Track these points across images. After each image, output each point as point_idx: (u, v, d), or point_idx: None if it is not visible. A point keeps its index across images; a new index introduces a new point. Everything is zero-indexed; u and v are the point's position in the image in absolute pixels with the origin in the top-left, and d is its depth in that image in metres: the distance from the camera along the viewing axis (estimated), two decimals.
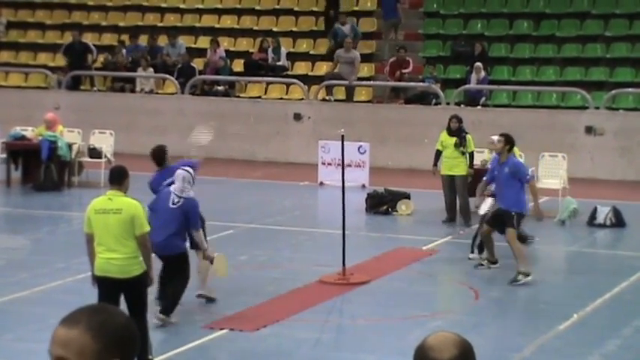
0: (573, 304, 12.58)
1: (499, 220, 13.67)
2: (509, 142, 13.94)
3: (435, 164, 17.52)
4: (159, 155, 12.33)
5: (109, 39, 28.96)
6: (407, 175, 22.10)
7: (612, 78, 25.08)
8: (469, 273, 14.25)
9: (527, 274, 13.39)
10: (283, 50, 26.68)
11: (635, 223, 17.90)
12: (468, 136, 17.28)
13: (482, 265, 14.12)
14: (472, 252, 14.59)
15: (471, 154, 17.25)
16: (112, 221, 9.40)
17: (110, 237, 9.41)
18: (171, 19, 29.33)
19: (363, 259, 14.73)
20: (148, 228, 9.55)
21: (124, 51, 27.41)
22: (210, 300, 12.23)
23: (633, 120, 23.49)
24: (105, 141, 21.52)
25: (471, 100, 24.73)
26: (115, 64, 27.22)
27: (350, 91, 25.66)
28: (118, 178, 9.60)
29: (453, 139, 17.16)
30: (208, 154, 25.37)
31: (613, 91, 23.93)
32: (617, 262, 15.60)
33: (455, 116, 17.54)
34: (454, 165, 17.17)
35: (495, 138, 14.46)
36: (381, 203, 18.40)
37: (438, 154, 17.45)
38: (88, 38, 28.28)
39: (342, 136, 13.76)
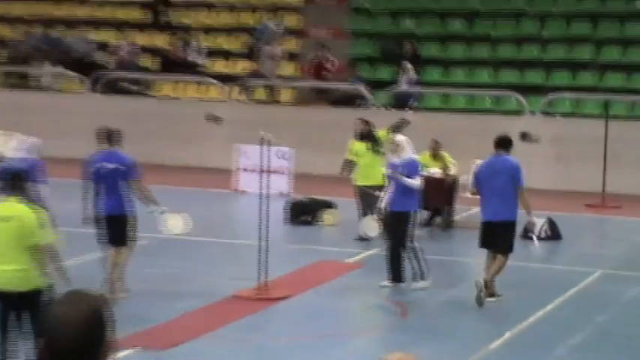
0: (505, 322, 12.72)
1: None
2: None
3: (344, 171, 17.22)
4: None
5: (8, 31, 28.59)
6: (334, 182, 22.14)
7: (549, 82, 25.46)
8: (396, 289, 14.32)
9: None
10: (201, 47, 26.58)
11: (572, 236, 18.18)
12: (379, 133, 16.97)
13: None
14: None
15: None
16: (2, 230, 9.26)
17: (1, 247, 9.27)
18: (76, 11, 29.02)
19: (283, 273, 14.74)
20: (49, 238, 9.40)
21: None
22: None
23: (570, 126, 23.87)
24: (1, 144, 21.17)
25: (402, 102, 24.90)
26: (15, 57, 26.91)
27: (273, 92, 25.65)
28: (14, 184, 9.44)
29: (365, 145, 16.75)
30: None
31: (549, 95, 24.30)
32: (552, 276, 15.81)
33: (359, 119, 17.33)
34: (371, 174, 16.38)
35: (399, 138, 14.49)
36: (303, 212, 18.40)
37: (347, 163, 17.07)
38: None
39: (262, 138, 13.72)
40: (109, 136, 13.03)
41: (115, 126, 26.50)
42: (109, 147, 12.96)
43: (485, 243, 13.51)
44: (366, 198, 16.29)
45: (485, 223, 13.46)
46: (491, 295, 13.31)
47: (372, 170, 16.35)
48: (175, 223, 13.00)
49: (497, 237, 13.32)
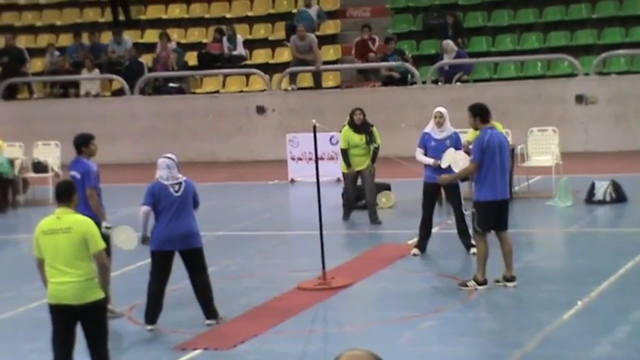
0: (576, 291, 12.69)
1: None
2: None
3: (350, 165, 17.31)
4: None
5: (45, 40, 28.88)
6: (385, 163, 22.16)
7: (601, 40, 25.25)
8: (460, 266, 14.35)
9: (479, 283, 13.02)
10: (239, 38, 26.70)
11: (637, 197, 18.06)
12: (374, 129, 17.28)
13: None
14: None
15: (377, 149, 17.20)
16: (61, 241, 9.34)
17: (61, 259, 9.36)
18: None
19: (344, 261, 14.81)
20: (103, 245, 9.53)
21: (56, 53, 27.35)
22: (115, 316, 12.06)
23: (627, 84, 23.67)
24: (50, 153, 21.47)
25: (450, 76, 24.84)
26: (55, 67, 27.18)
27: (317, 78, 25.71)
28: (66, 195, 9.54)
29: (361, 137, 17.13)
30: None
31: (603, 55, 24.10)
32: (620, 240, 15.75)
33: (358, 109, 17.46)
34: (362, 162, 17.19)
35: (442, 110, 14.95)
36: (360, 197, 18.44)
37: (345, 153, 17.23)
38: (22, 41, 28.21)
39: (315, 126, 13.78)
40: (74, 144, 12.53)
41: (159, 126, 26.78)
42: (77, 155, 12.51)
43: (493, 224, 13.00)
44: (355, 181, 17.39)
45: (501, 201, 13.03)
46: (512, 278, 13.13)
47: (362, 159, 17.18)
48: (126, 239, 12.02)
49: (504, 215, 12.98)
